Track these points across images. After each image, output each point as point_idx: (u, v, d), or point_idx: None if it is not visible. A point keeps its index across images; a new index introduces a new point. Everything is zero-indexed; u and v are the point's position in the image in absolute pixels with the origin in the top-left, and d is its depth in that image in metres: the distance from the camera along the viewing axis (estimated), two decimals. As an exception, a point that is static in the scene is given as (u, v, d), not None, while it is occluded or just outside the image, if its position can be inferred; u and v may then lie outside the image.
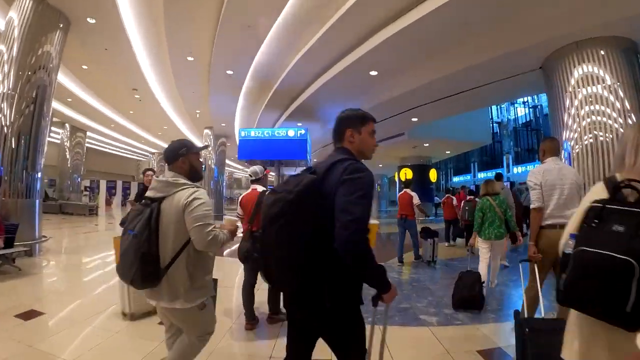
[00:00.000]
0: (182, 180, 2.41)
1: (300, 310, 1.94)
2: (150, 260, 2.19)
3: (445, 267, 8.28)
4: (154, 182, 2.45)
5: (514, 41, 7.99)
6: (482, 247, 5.89)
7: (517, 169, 35.43)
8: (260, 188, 4.43)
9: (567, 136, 7.46)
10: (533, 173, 3.78)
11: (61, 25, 9.35)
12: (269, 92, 13.69)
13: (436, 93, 11.35)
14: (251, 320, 4.32)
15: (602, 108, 7.02)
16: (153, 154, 35.86)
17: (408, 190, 8.92)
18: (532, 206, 3.69)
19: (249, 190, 4.50)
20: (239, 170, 52.85)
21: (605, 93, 7.05)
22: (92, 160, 33.79)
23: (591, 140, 7.01)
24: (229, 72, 12.04)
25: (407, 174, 22.79)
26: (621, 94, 6.97)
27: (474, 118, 17.83)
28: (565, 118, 7.55)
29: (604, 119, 6.97)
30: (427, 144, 18.99)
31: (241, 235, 4.27)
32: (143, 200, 2.40)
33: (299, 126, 13.30)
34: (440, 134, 17.66)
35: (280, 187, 1.88)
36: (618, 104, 6.94)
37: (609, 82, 7.06)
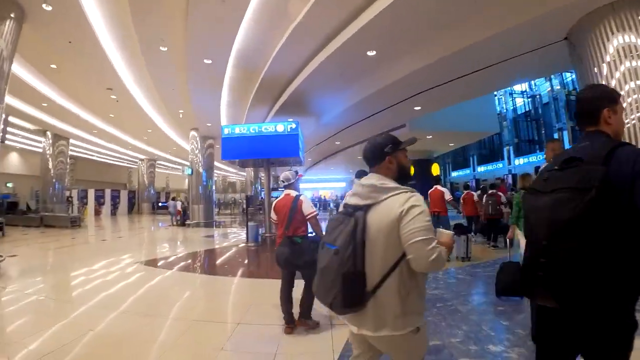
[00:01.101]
0: (392, 184, 2.00)
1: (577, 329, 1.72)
2: (354, 281, 1.87)
3: (470, 277, 7.27)
4: (356, 186, 2.10)
5: (532, 7, 6.90)
6: (522, 239, 5.57)
7: (519, 161, 34.19)
8: (293, 193, 4.50)
9: None
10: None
11: (13, 15, 8.52)
12: (255, 83, 12.47)
13: (444, 74, 10.10)
14: (290, 323, 4.45)
15: None
16: (142, 160, 34.56)
17: (439, 187, 9.03)
18: None
19: (282, 196, 4.56)
20: (231, 173, 51.53)
21: None
22: (81, 169, 33.09)
23: (634, 122, 6.14)
24: (207, 61, 10.74)
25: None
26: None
27: (478, 106, 16.67)
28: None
29: None
30: (430, 136, 17.79)
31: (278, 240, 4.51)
32: (342, 209, 2.10)
33: (290, 120, 11.99)
34: (444, 125, 16.52)
35: (550, 185, 1.72)
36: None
37: None
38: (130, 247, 12.87)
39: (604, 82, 6.45)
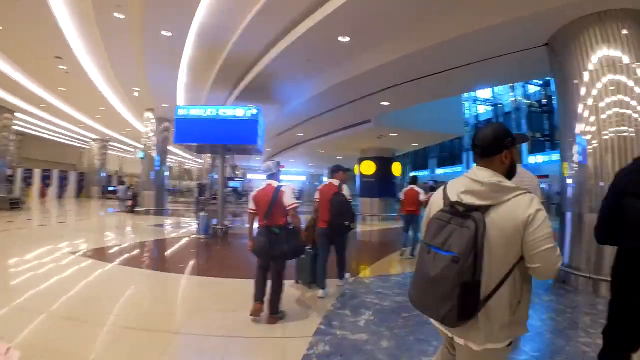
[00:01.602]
0: (510, 183, 1.82)
1: None
2: (472, 292, 1.66)
3: None
4: (470, 183, 1.85)
5: (514, 8, 6.61)
6: None
7: None
8: (275, 183, 4.59)
9: (581, 130, 6.47)
10: None
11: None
12: (217, 65, 11.72)
13: (417, 69, 9.66)
14: (259, 302, 4.50)
15: (627, 99, 6.02)
16: (94, 140, 32.94)
17: (415, 187, 9.18)
18: None
19: (264, 186, 4.63)
20: (188, 159, 50.04)
21: (631, 82, 6.04)
22: (29, 147, 30.98)
23: (612, 136, 6.04)
24: (166, 33, 9.82)
25: (369, 166, 21.37)
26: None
27: (446, 108, 16.48)
28: (580, 109, 6.50)
29: (629, 112, 6.01)
30: (395, 134, 17.41)
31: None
32: (449, 207, 1.83)
33: (250, 105, 11.33)
34: (410, 124, 16.08)
35: None
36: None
37: (631, 66, 6.08)
38: (71, 234, 11.89)
39: (582, 94, 6.45)
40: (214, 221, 12.20)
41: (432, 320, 1.93)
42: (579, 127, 6.48)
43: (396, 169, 22.65)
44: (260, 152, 13.06)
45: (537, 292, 6.09)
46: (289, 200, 4.49)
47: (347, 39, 8.47)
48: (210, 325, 4.43)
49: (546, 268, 1.70)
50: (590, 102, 6.33)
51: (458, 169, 38.88)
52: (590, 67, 6.36)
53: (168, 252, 9.53)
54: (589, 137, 6.31)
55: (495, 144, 1.88)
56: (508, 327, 1.75)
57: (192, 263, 8.30)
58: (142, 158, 20.67)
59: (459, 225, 1.72)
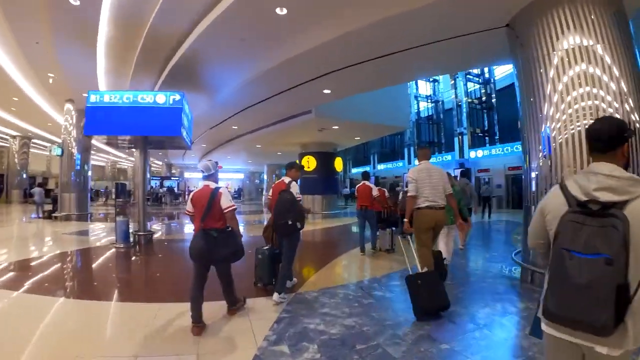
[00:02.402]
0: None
1: None
2: (624, 293, 1.58)
3: (390, 293, 6.03)
4: (605, 179, 1.72)
5: None
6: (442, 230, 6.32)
7: (418, 161, 34.91)
8: (212, 185, 4.46)
9: (547, 122, 5.95)
10: (412, 171, 5.33)
11: None
12: (138, 44, 10.36)
13: (363, 50, 8.88)
14: (199, 322, 4.21)
15: (595, 90, 5.56)
16: (14, 137, 30.10)
17: (367, 182, 9.39)
18: (408, 194, 5.23)
19: (201, 187, 4.50)
20: (121, 158, 47.36)
21: (598, 71, 5.57)
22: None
23: (579, 129, 5.53)
24: (74, 1, 8.35)
25: (309, 162, 20.60)
26: (616, 72, 5.55)
27: (392, 100, 15.96)
28: (546, 98, 5.97)
29: (597, 103, 5.53)
30: (337, 127, 16.62)
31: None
32: (581, 207, 1.74)
33: (173, 90, 10.05)
34: (352, 115, 15.39)
35: None
36: (613, 86, 5.52)
37: (602, 56, 5.62)
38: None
39: (548, 85, 5.93)
40: (133, 227, 10.71)
41: (555, 333, 1.82)
42: (546, 118, 5.93)
43: (338, 164, 22.01)
44: (188, 146, 11.62)
45: (495, 290, 5.85)
46: (226, 202, 4.34)
47: (285, 11, 7.44)
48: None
49: None
50: (557, 91, 5.81)
51: (399, 164, 39.32)
52: (556, 57, 5.84)
53: (83, 266, 8.15)
54: (556, 127, 5.78)
55: (620, 136, 1.81)
56: None
57: (110, 282, 6.66)
58: (59, 155, 18.58)
59: (598, 225, 1.63)
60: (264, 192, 39.74)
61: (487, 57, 9.75)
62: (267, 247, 5.93)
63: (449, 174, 6.12)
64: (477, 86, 31.03)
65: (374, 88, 12.42)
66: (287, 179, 5.75)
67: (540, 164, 6.02)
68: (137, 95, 9.57)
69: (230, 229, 4.40)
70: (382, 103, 15.50)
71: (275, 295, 5.20)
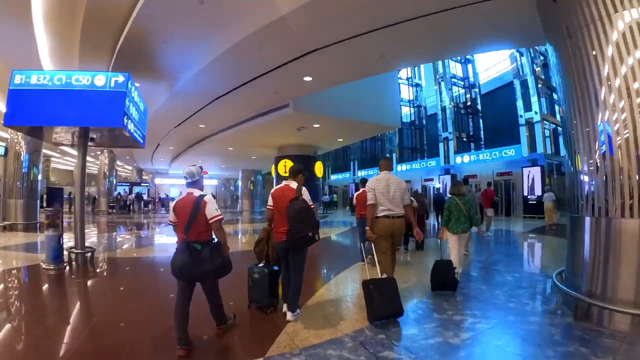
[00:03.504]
0: None
1: None
2: None
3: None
4: None
5: None
6: (451, 239, 6.78)
7: (401, 167, 35.19)
8: (197, 192, 4.12)
9: (605, 113, 4.43)
10: (370, 181, 5.30)
11: None
12: (79, 17, 8.64)
13: (358, 17, 7.28)
14: (186, 344, 3.77)
15: None
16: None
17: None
18: (368, 203, 5.21)
19: (184, 195, 4.17)
20: (88, 161, 44.59)
21: None
22: None
23: None
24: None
25: (287, 166, 18.95)
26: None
27: (381, 96, 14.81)
28: (597, 88, 4.48)
29: None
30: (318, 125, 15.05)
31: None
32: None
33: (115, 71, 8.12)
34: (336, 111, 13.92)
35: None
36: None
37: None
38: None
39: (605, 65, 4.42)
40: (67, 242, 8.61)
41: None
42: (604, 107, 4.45)
43: (318, 169, 20.40)
44: (139, 143, 9.52)
45: (548, 335, 4.15)
46: (212, 211, 3.98)
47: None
48: None
49: None
50: (618, 74, 4.30)
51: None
52: (618, 22, 4.29)
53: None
54: (620, 119, 4.32)
55: None
56: None
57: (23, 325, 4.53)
58: (1, 155, 16.28)
59: None
60: (239, 200, 38.13)
61: (505, 33, 8.08)
62: (263, 265, 5.27)
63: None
64: (462, 90, 30.91)
65: (358, 76, 10.95)
66: (293, 184, 5.13)
67: (597, 165, 4.54)
68: (70, 76, 7.57)
69: (216, 241, 4.08)
70: (370, 99, 14.26)
71: (290, 315, 4.74)
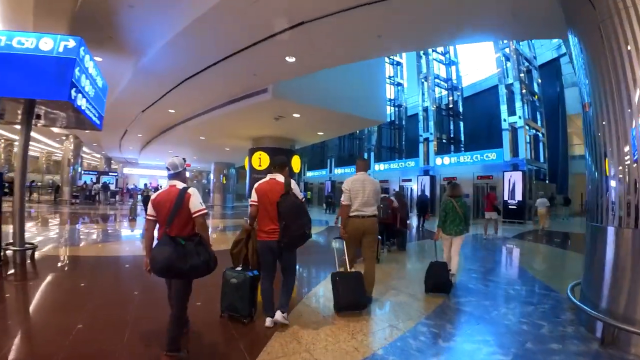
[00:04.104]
0: None
1: None
2: None
3: None
4: None
5: None
6: (445, 240, 6.87)
7: (379, 167, 34.95)
8: (179, 185, 3.88)
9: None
10: (346, 182, 5.44)
11: None
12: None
13: None
14: (173, 351, 3.51)
15: None
16: None
17: None
18: (342, 203, 5.41)
19: (166, 187, 3.92)
20: (55, 148, 42.68)
21: None
22: None
23: None
24: None
25: (261, 159, 18.25)
26: None
27: (367, 87, 14.19)
28: (630, 88, 3.99)
29: None
30: (298, 115, 14.14)
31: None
32: None
33: (64, 34, 6.94)
34: (318, 100, 13.02)
35: None
36: None
37: None
38: None
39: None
40: None
41: None
42: (638, 110, 3.97)
43: (295, 163, 19.45)
44: (94, 123, 8.26)
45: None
46: (196, 205, 3.70)
47: None
48: None
49: None
50: None
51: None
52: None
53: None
54: None
55: None
56: None
57: None
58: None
59: None
60: (211, 194, 37.12)
61: (522, 20, 7.27)
62: (241, 269, 4.82)
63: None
64: (445, 92, 31.02)
65: (357, 57, 10.19)
66: (280, 178, 4.79)
67: (627, 171, 4.09)
68: (12, 37, 6.38)
69: (199, 236, 3.72)
70: (355, 89, 13.48)
71: (279, 315, 4.53)
